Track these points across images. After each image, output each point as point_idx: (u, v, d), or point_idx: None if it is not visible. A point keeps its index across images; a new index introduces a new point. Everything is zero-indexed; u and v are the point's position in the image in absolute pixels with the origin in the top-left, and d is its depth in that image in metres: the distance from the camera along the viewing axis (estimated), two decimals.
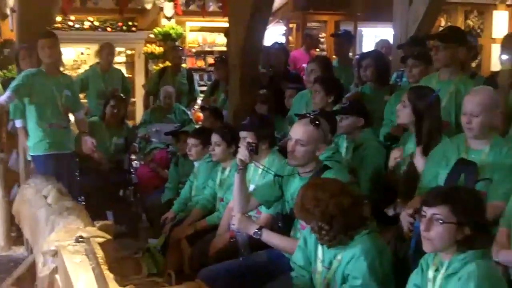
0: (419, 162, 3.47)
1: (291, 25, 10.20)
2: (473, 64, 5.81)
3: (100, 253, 2.52)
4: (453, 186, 2.72)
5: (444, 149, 3.33)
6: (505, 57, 3.76)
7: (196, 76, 8.41)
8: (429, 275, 2.52)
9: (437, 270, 2.50)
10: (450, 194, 2.45)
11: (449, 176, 3.01)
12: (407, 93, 3.68)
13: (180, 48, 8.37)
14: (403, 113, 3.64)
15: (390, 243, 3.40)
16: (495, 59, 6.00)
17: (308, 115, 3.40)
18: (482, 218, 2.49)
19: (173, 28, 9.39)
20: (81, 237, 2.69)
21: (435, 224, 2.42)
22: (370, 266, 2.71)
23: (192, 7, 9.88)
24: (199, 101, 8.00)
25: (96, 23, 9.32)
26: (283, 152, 3.75)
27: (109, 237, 2.81)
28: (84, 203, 4.56)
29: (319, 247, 2.93)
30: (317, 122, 3.29)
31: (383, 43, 6.67)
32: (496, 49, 7.12)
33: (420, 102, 3.52)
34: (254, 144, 3.47)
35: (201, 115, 6.86)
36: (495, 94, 3.24)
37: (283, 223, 3.45)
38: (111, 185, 5.83)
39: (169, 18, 9.49)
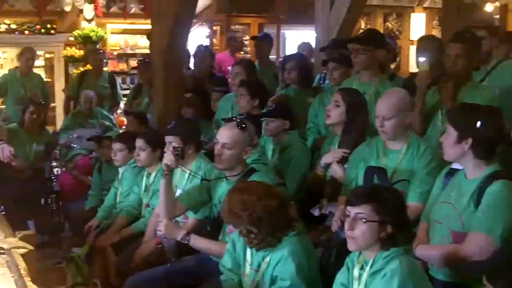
0: (336, 168, 3.57)
1: (214, 28, 10.19)
2: (392, 66, 5.96)
3: (22, 265, 2.44)
4: (375, 186, 2.79)
5: (363, 151, 3.43)
6: (422, 59, 3.89)
7: (118, 80, 8.23)
8: (354, 274, 2.57)
9: (362, 268, 2.55)
10: (372, 193, 2.51)
11: (364, 182, 3.10)
12: (340, 93, 3.76)
13: (101, 51, 8.19)
14: (335, 113, 3.71)
15: (317, 242, 3.47)
16: (413, 61, 6.20)
17: (234, 118, 3.41)
18: (404, 216, 2.56)
19: (93, 31, 9.17)
20: (2, 248, 2.60)
21: (358, 223, 2.47)
22: (298, 267, 2.73)
23: (113, 9, 9.69)
24: (122, 105, 7.85)
25: (13, 26, 8.96)
26: (210, 156, 3.74)
27: (31, 247, 2.72)
28: (3, 213, 4.37)
29: (248, 250, 2.93)
30: (243, 125, 3.31)
31: (305, 45, 6.76)
32: (414, 50, 7.37)
33: (354, 101, 3.61)
34: (180, 149, 3.44)
35: (124, 119, 6.73)
36: (407, 95, 3.34)
37: (211, 227, 3.44)
38: (32, 193, 5.65)
39: (89, 21, 9.26)
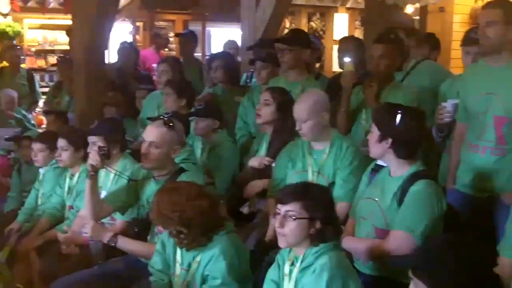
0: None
1: (138, 24, 10.02)
2: (317, 65, 6.06)
3: None
4: (304, 184, 2.83)
5: (291, 150, 3.47)
6: (347, 59, 3.98)
7: (36, 77, 7.95)
8: (285, 270, 2.60)
9: (292, 264, 2.59)
10: (302, 191, 2.56)
11: None
12: (269, 92, 3.79)
13: (18, 47, 7.89)
14: (265, 112, 3.75)
15: (246, 240, 3.49)
16: (337, 60, 6.34)
17: (161, 117, 3.37)
18: (332, 212, 2.62)
19: (10, 26, 8.83)
20: None
21: (288, 220, 2.51)
22: (229, 265, 2.74)
23: (31, 3, 9.37)
24: (40, 103, 7.58)
25: None
26: (135, 155, 3.67)
27: None
28: None
29: (178, 250, 2.91)
30: (171, 124, 3.27)
31: (231, 44, 6.76)
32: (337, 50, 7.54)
33: (283, 100, 3.65)
34: (106, 148, 3.36)
35: (43, 118, 6.50)
36: (322, 97, 3.41)
37: (139, 228, 3.38)
38: None
39: (5, 15, 8.92)
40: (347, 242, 2.90)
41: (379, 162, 3.07)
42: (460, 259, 1.88)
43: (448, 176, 3.56)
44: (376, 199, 2.91)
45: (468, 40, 3.98)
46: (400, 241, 2.72)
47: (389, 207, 2.84)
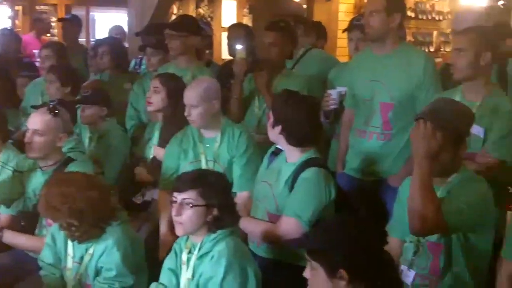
0: (160, 152, 3.55)
1: (17, 8, 9.48)
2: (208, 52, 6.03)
3: None
4: (201, 171, 2.83)
5: (181, 140, 3.45)
6: (239, 46, 4.00)
7: None
8: (183, 258, 2.59)
9: (190, 252, 2.58)
10: (198, 178, 2.55)
11: None
12: (159, 79, 3.73)
13: None
14: (156, 99, 3.69)
15: (140, 230, 3.44)
16: (225, 47, 6.36)
17: (46, 104, 3.22)
18: (229, 198, 2.65)
19: None
20: None
21: (185, 208, 2.50)
22: (123, 256, 2.69)
23: None
24: None
25: None
26: (19, 146, 3.49)
27: None
28: None
29: (69, 243, 2.81)
30: (56, 111, 3.16)
31: (117, 29, 6.56)
32: (225, 37, 7.55)
33: (173, 86, 3.60)
34: None
35: None
36: (213, 84, 3.41)
37: (26, 222, 3.22)
38: None
39: None
40: (244, 223, 2.93)
41: (279, 146, 3.12)
42: (353, 239, 1.95)
43: (337, 161, 3.69)
44: (271, 183, 2.95)
45: (351, 27, 4.15)
46: (288, 226, 2.79)
47: (280, 192, 2.90)
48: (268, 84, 3.83)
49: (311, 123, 2.92)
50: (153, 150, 3.68)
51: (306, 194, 2.82)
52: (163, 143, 3.62)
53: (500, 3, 10.80)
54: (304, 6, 8.78)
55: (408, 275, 2.55)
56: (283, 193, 2.89)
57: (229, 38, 5.00)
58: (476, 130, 2.73)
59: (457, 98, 2.95)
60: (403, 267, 2.56)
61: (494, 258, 2.58)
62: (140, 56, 5.14)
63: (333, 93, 3.61)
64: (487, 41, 3.02)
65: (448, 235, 2.47)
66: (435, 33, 10.12)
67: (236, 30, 5.09)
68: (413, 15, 9.61)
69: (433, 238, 2.49)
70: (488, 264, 2.57)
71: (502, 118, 2.95)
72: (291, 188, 2.87)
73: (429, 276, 2.54)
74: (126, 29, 6.32)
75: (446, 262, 2.50)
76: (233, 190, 3.31)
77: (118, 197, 3.34)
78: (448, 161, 2.45)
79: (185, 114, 3.32)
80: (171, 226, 2.82)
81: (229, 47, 4.87)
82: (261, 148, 3.31)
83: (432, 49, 9.91)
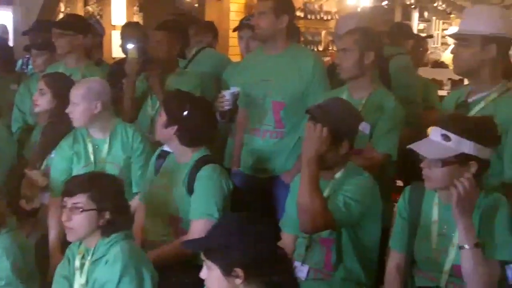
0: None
1: None
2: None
3: None
4: (90, 174, 2.75)
5: (71, 142, 3.38)
6: (130, 46, 3.94)
7: None
8: (76, 264, 2.53)
9: (83, 257, 2.53)
10: (88, 181, 2.50)
11: None
12: (44, 80, 3.65)
13: None
14: (42, 101, 3.61)
15: (29, 236, 3.31)
16: (116, 46, 6.22)
17: None
18: (122, 201, 2.59)
19: None
20: None
21: (75, 213, 2.44)
22: (13, 264, 2.60)
23: None
24: None
25: None
26: None
27: None
28: None
29: None
30: None
31: (1, 28, 6.29)
32: (116, 36, 7.39)
33: (60, 86, 3.52)
34: None
35: None
36: (98, 85, 3.36)
37: None
38: None
39: None
40: (151, 256, 2.72)
41: (165, 148, 3.11)
42: (247, 236, 1.96)
43: (233, 159, 3.74)
44: (166, 187, 2.95)
45: (241, 25, 4.26)
46: (202, 228, 2.68)
47: (179, 194, 2.91)
48: (160, 83, 3.81)
49: (207, 123, 2.96)
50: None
51: (208, 191, 2.84)
52: (42, 145, 3.53)
53: (384, 3, 11.37)
54: (196, 5, 8.76)
55: (302, 270, 2.64)
56: (182, 194, 2.90)
57: (122, 37, 4.92)
58: (362, 126, 2.86)
59: (344, 96, 3.09)
60: (296, 263, 2.63)
61: (382, 249, 2.73)
62: (27, 56, 4.95)
63: (227, 94, 3.66)
64: (371, 41, 3.16)
65: (337, 230, 2.58)
66: (323, 32, 10.41)
67: (128, 29, 5.01)
68: (302, 15, 9.83)
69: (325, 233, 2.59)
70: (378, 255, 2.71)
71: (386, 115, 3.11)
72: (189, 188, 2.88)
73: (323, 270, 2.64)
74: (10, 28, 6.07)
75: (337, 255, 2.61)
76: (134, 190, 3.34)
77: (6, 202, 3.21)
78: (334, 157, 2.59)
79: (67, 110, 3.28)
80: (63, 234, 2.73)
81: (122, 46, 4.80)
82: (155, 149, 3.29)
83: (321, 48, 10.19)
